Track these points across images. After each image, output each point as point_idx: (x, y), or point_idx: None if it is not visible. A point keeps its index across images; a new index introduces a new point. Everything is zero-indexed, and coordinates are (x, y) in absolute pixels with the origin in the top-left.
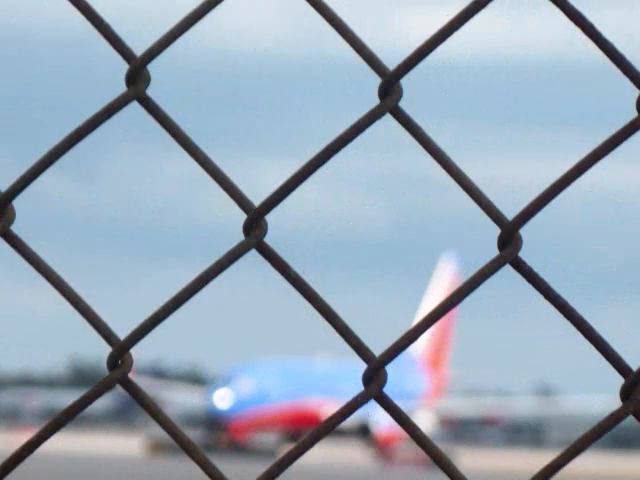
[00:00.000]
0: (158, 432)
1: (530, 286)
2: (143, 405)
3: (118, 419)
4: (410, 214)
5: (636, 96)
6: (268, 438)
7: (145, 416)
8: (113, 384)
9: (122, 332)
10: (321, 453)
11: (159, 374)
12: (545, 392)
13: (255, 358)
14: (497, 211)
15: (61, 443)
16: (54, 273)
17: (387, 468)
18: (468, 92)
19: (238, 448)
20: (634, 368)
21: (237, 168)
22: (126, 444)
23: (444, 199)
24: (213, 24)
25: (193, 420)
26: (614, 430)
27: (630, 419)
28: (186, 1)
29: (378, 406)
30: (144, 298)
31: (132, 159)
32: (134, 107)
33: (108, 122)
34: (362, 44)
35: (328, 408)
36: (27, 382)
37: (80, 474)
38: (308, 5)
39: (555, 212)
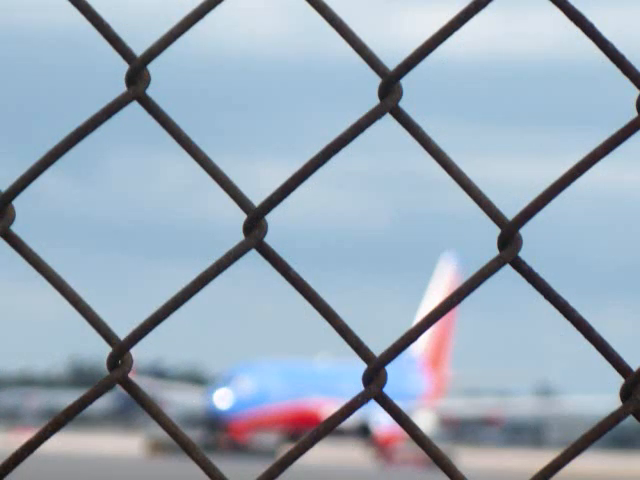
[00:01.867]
0: (158, 432)
1: (530, 286)
2: (143, 405)
3: (118, 419)
4: (410, 214)
5: (636, 96)
6: (268, 438)
7: (145, 416)
8: (113, 384)
9: (122, 332)
10: (321, 453)
11: (159, 374)
12: (545, 392)
13: (255, 358)
14: (497, 211)
15: (61, 443)
16: (54, 273)
17: (387, 468)
18: (468, 92)
19: (238, 448)
20: (634, 368)
21: (237, 168)
22: (126, 444)
23: (444, 199)
24: (213, 24)
25: (193, 420)
26: (614, 430)
27: (630, 419)
28: (186, 1)
29: (378, 406)
30: (144, 298)
31: (132, 159)
32: (134, 107)
33: (108, 122)
34: (362, 44)
35: (328, 408)
36: (27, 382)
37: (80, 474)
38: (308, 5)
39: (555, 212)
